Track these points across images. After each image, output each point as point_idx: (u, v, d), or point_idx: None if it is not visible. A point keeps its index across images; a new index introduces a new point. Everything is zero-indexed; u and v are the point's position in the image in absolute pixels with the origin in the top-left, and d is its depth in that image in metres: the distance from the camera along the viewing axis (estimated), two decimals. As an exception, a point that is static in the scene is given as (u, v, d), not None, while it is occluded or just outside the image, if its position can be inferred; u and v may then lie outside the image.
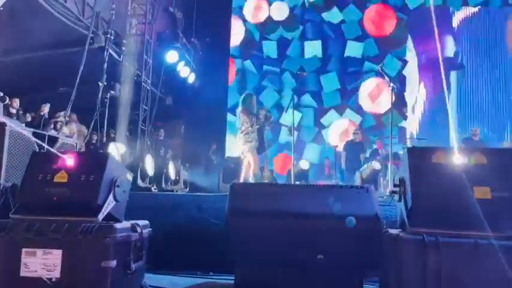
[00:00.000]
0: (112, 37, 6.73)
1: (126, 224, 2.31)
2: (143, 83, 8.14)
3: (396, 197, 2.39)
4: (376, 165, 6.78)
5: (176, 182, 6.77)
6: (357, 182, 6.40)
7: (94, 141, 7.49)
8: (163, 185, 6.25)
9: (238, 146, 6.37)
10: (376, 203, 2.49)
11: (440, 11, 9.70)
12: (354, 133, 8.21)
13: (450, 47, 9.69)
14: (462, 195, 2.12)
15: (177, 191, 6.25)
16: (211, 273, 3.18)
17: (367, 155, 7.98)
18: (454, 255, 1.99)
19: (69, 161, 2.26)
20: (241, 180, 6.23)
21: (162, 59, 8.68)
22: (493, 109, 9.54)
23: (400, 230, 2.30)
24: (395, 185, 2.36)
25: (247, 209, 2.44)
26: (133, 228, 2.33)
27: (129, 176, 2.54)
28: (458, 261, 1.98)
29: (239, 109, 6.29)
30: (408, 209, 2.21)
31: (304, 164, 7.59)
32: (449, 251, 1.99)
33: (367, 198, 2.47)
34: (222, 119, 9.97)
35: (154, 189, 5.76)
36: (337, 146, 7.56)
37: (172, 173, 6.45)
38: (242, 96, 6.45)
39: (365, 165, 6.97)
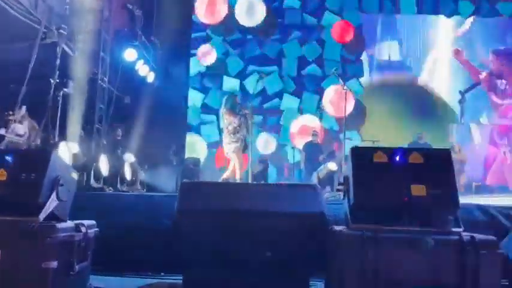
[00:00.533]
0: (65, 33, 6.50)
1: (69, 223, 2.26)
2: (99, 81, 7.92)
3: (341, 194, 2.49)
4: (332, 166, 6.94)
5: (133, 182, 6.65)
6: (314, 182, 6.52)
7: (52, 140, 7.21)
8: (118, 185, 6.12)
9: (224, 144, 6.38)
10: (322, 201, 2.57)
11: (387, 18, 10.09)
12: (313, 134, 8.38)
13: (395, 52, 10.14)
14: (400, 193, 2.23)
15: (133, 192, 6.14)
16: (162, 273, 3.16)
17: (325, 156, 8.16)
18: (392, 250, 2.09)
19: (9, 158, 2.17)
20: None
21: (120, 57, 8.48)
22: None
23: (344, 226, 2.39)
24: (339, 184, 2.45)
25: (196, 208, 2.45)
26: (77, 228, 2.27)
27: (75, 175, 2.48)
28: (396, 255, 2.09)
29: (222, 110, 6.29)
30: (351, 206, 2.30)
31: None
32: (388, 246, 2.09)
33: (313, 197, 2.54)
34: (182, 119, 9.87)
35: (109, 190, 5.64)
36: (293, 147, 7.70)
37: (128, 173, 6.33)
38: (225, 97, 6.47)
39: (322, 166, 7.13)
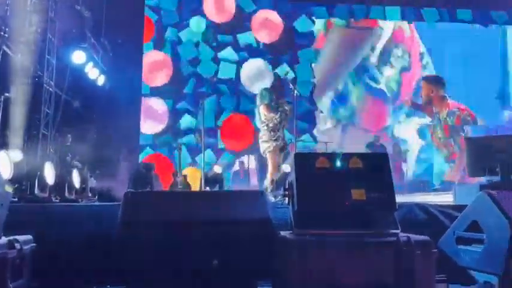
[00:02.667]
0: (6, 35, 6.15)
1: (1, 240, 2.13)
2: (45, 85, 7.56)
3: (286, 200, 2.52)
4: (287, 168, 7.03)
5: (82, 190, 6.39)
6: (268, 185, 6.56)
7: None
8: (66, 194, 5.86)
9: (260, 142, 5.78)
10: (269, 206, 2.58)
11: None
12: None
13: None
14: (341, 197, 2.30)
15: (82, 201, 5.90)
16: (108, 286, 3.05)
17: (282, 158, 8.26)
18: (334, 254, 2.14)
19: None
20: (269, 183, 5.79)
21: (67, 59, 8.14)
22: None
23: (290, 232, 2.42)
24: (284, 189, 2.48)
25: (139, 219, 2.39)
26: (10, 245, 2.15)
27: (9, 188, 2.35)
28: (337, 259, 2.14)
29: (260, 105, 5.73)
30: (294, 211, 2.34)
31: (217, 169, 7.62)
32: (330, 249, 2.14)
33: (259, 202, 2.55)
34: (135, 123, 9.63)
35: (56, 199, 5.38)
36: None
37: (76, 181, 6.07)
38: (261, 91, 5.89)
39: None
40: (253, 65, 9.94)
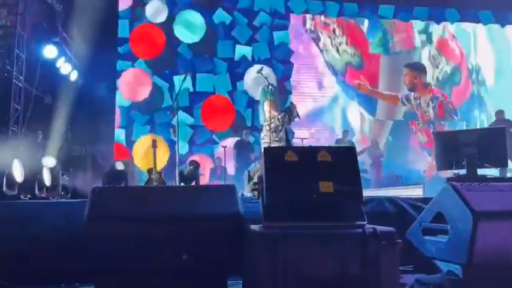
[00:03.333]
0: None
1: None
2: (14, 80, 7.34)
3: (256, 194, 2.53)
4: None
5: (53, 188, 6.25)
6: (245, 180, 6.56)
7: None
8: (37, 192, 5.72)
9: (262, 142, 5.50)
10: (239, 201, 2.59)
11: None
12: (245, 132, 8.46)
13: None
14: (309, 190, 2.32)
15: (53, 198, 5.77)
16: (77, 284, 3.01)
17: (257, 153, 8.29)
18: (302, 246, 2.17)
19: None
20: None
21: (38, 54, 7.92)
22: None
23: (259, 225, 2.43)
24: (254, 183, 2.49)
25: (107, 214, 2.36)
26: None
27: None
28: (305, 251, 2.17)
29: (264, 102, 5.48)
30: (263, 204, 2.35)
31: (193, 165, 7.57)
32: (297, 242, 2.17)
33: (230, 197, 2.55)
34: (109, 120, 9.45)
35: (25, 197, 5.25)
36: (226, 146, 7.72)
37: (47, 178, 5.94)
38: (264, 88, 5.63)
39: (253, 164, 7.22)
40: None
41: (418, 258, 2.97)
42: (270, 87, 5.47)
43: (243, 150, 7.82)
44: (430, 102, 8.75)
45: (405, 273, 2.99)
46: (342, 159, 2.39)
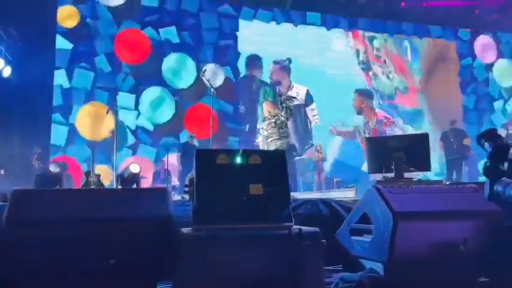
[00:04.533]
0: None
1: None
2: None
3: (188, 196, 2.54)
4: None
5: (-21, 191, 5.83)
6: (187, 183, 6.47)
7: None
8: (-41, 196, 5.31)
9: (269, 141, 5.43)
10: (170, 203, 2.57)
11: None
12: (190, 136, 8.40)
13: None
14: (240, 192, 2.36)
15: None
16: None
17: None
18: (230, 248, 2.20)
19: None
20: None
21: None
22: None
23: (190, 228, 2.43)
24: (185, 185, 2.49)
25: (28, 218, 2.25)
26: None
27: None
28: (234, 253, 2.20)
29: (264, 101, 5.58)
30: (194, 207, 2.36)
31: (134, 168, 7.38)
32: (226, 243, 2.20)
33: (160, 199, 2.53)
34: (46, 120, 8.98)
35: None
36: (168, 149, 7.61)
37: (-28, 181, 5.54)
38: (264, 89, 5.76)
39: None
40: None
41: (346, 257, 3.11)
42: (267, 88, 5.59)
43: (187, 154, 7.75)
44: (376, 125, 9.67)
45: (334, 273, 3.12)
46: (272, 162, 2.46)
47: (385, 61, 10.49)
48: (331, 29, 10.39)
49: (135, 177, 6.47)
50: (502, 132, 8.11)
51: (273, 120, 5.42)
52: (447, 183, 4.19)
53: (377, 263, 2.74)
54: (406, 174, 4.15)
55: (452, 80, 11.21)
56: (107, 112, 6.19)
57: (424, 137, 4.11)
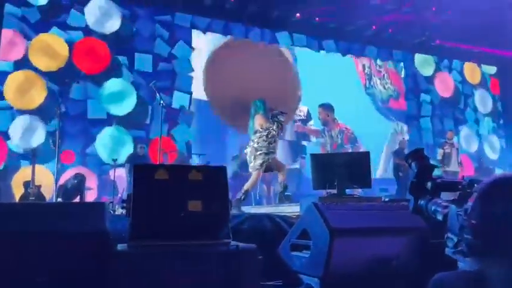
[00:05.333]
0: None
1: None
2: None
3: (125, 212, 2.48)
4: None
5: None
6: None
7: None
8: None
9: (257, 153, 5.47)
10: (106, 218, 2.51)
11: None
12: (139, 147, 8.23)
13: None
14: (178, 209, 2.35)
15: None
16: None
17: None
18: (166, 265, 2.17)
19: None
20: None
21: None
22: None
23: (125, 244, 2.38)
24: (123, 201, 2.44)
25: None
26: None
27: None
28: (169, 270, 2.18)
29: (255, 115, 5.58)
30: (130, 223, 2.31)
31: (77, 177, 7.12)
32: (160, 261, 2.17)
33: (97, 215, 2.46)
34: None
35: None
36: (116, 160, 7.40)
37: None
38: (255, 102, 5.72)
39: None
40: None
41: (287, 273, 3.16)
42: (258, 102, 5.71)
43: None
44: (338, 134, 10.63)
45: (274, 288, 3.16)
46: (212, 178, 2.47)
47: (384, 75, 12.33)
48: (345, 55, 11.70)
49: (78, 188, 6.25)
50: (439, 153, 8.64)
51: (265, 134, 5.49)
52: (386, 199, 4.38)
53: (314, 278, 2.81)
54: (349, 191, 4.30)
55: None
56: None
57: (366, 155, 4.30)
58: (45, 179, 6.89)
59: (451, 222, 1.40)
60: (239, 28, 10.58)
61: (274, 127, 5.48)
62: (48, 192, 6.66)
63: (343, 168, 4.21)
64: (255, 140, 5.52)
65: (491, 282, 1.11)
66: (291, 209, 4.71)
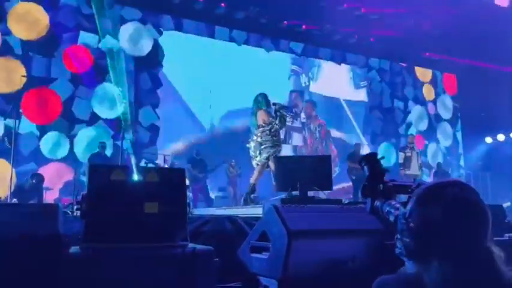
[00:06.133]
0: None
1: None
2: None
3: (79, 213, 2.42)
4: None
5: None
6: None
7: None
8: None
9: (262, 148, 5.58)
10: (60, 221, 2.44)
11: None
12: (101, 146, 8.02)
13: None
14: (134, 210, 2.31)
15: None
16: None
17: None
18: (116, 268, 2.13)
19: None
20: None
21: None
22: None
23: (78, 247, 2.32)
24: (77, 202, 2.38)
25: None
26: None
27: None
28: (120, 272, 2.13)
29: (258, 111, 5.69)
30: (84, 225, 2.26)
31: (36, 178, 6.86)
32: (112, 264, 2.13)
33: (50, 217, 2.39)
34: None
35: None
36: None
37: None
38: (257, 96, 5.81)
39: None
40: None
41: (246, 275, 3.17)
42: (259, 98, 5.84)
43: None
44: (317, 127, 11.79)
45: (233, 290, 3.16)
46: (170, 180, 2.45)
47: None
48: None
49: (35, 189, 6.02)
50: (401, 156, 8.91)
51: (268, 128, 5.63)
52: (346, 202, 4.47)
53: (272, 279, 2.83)
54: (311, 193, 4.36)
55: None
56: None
57: (327, 159, 4.38)
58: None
59: (399, 223, 1.45)
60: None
61: (277, 121, 5.63)
62: (3, 192, 6.38)
63: (306, 171, 4.27)
64: (259, 135, 5.66)
65: (428, 286, 1.15)
66: (255, 211, 4.72)
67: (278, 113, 5.64)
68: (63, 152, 8.37)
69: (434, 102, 13.61)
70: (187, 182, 8.43)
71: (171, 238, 2.34)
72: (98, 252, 2.08)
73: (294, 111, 10.16)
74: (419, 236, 1.20)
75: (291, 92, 11.73)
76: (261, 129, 5.67)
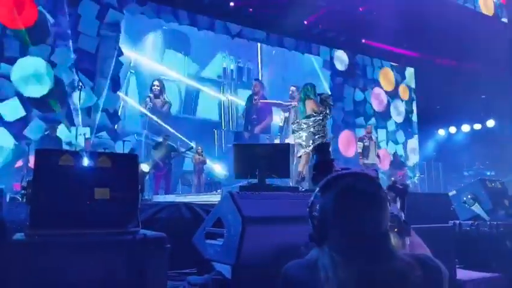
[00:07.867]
0: None
1: None
2: None
3: (25, 199, 2.33)
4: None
5: None
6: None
7: None
8: None
9: (316, 137, 5.61)
10: (4, 206, 2.35)
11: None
12: (51, 127, 7.74)
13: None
14: (83, 196, 2.26)
15: None
16: None
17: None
18: (64, 254, 2.08)
19: None
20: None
21: None
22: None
23: (22, 234, 2.24)
24: (22, 187, 2.29)
25: None
26: None
27: None
28: (68, 259, 2.08)
29: (306, 100, 5.71)
30: (30, 211, 2.18)
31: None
32: (59, 250, 2.07)
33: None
34: None
35: None
36: (31, 143, 6.88)
37: None
38: (305, 86, 5.83)
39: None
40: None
41: (201, 261, 3.19)
42: (309, 86, 5.86)
43: (49, 146, 7.08)
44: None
45: (188, 276, 3.16)
46: (123, 165, 2.41)
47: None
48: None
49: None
50: (359, 146, 9.16)
51: (320, 118, 5.63)
52: (302, 190, 4.56)
53: (226, 265, 2.86)
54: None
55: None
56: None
57: (286, 147, 4.43)
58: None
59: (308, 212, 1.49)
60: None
61: (328, 111, 5.69)
62: None
63: (265, 158, 4.30)
64: (311, 124, 5.66)
65: (322, 270, 1.21)
66: (213, 198, 4.73)
67: (325, 102, 5.73)
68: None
69: (392, 94, 14.06)
70: (147, 168, 8.30)
71: (122, 224, 2.31)
72: (42, 239, 2.01)
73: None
74: (316, 223, 1.27)
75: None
76: (312, 118, 5.70)
